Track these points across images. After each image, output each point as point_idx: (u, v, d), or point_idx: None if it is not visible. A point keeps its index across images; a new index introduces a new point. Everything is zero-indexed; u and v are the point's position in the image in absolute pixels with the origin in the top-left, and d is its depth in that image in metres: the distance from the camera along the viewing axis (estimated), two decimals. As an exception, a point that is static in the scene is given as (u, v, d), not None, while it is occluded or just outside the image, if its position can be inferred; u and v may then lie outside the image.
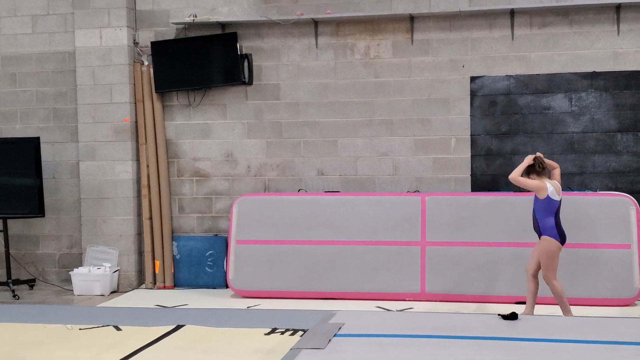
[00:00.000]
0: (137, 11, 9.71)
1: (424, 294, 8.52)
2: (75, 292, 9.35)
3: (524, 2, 8.89)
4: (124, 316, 7.72)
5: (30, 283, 9.76)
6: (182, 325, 7.08)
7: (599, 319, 7.03)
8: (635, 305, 8.19)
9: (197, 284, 9.53)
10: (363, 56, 9.33)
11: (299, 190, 9.37)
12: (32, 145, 9.40)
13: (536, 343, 5.73)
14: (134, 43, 9.67)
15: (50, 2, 9.82)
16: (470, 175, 9.14)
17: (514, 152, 9.00)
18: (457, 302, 8.34)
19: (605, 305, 8.06)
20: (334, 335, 5.91)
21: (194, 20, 9.41)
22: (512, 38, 9.01)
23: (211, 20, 9.39)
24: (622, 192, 8.59)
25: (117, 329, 7.09)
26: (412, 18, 9.16)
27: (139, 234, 9.71)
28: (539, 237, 7.24)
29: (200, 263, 9.54)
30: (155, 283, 9.59)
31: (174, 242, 9.63)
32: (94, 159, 9.62)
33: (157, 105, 9.64)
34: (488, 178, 9.11)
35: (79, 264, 9.70)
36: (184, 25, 9.58)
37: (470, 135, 9.13)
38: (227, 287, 9.23)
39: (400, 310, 8.04)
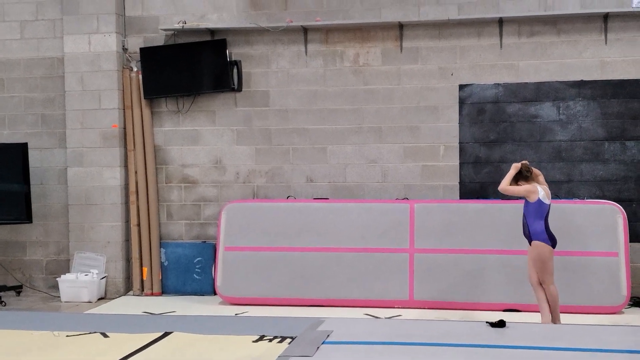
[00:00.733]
0: (126, 17, 9.70)
1: (412, 301, 8.53)
2: (63, 298, 9.31)
3: (513, 11, 8.94)
4: (111, 323, 7.66)
5: (17, 289, 9.70)
6: (170, 332, 7.04)
7: (587, 326, 7.04)
8: (623, 312, 8.22)
9: (185, 290, 9.50)
10: (352, 64, 9.35)
11: (287, 197, 9.36)
12: (19, 151, 9.36)
13: (524, 351, 5.74)
14: (123, 49, 9.65)
15: (39, 8, 9.80)
16: (459, 182, 9.17)
17: (502, 159, 9.03)
18: (445, 310, 8.35)
19: (593, 312, 8.09)
20: (322, 343, 5.90)
21: (183, 26, 9.41)
22: (501, 46, 9.05)
23: (200, 26, 9.39)
24: (610, 200, 8.62)
25: (105, 335, 7.04)
26: (401, 26, 9.18)
27: (127, 240, 9.68)
28: (529, 242, 7.27)
29: (188, 270, 9.51)
30: (142, 290, 9.56)
31: (162, 248, 9.61)
32: (82, 165, 9.59)
33: (146, 111, 9.63)
34: (476, 186, 9.13)
35: (67, 270, 9.66)
36: (173, 32, 9.57)
37: (459, 142, 9.16)
38: (215, 294, 9.20)
39: (389, 318, 8.04)
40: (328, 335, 6.12)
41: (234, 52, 9.49)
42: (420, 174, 9.23)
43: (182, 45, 9.50)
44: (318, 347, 5.75)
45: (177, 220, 9.72)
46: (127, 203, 9.67)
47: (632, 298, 8.45)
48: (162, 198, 9.74)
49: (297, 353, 5.66)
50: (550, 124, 9.00)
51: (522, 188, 7.20)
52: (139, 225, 9.59)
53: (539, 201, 7.16)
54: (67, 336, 7.00)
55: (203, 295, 9.42)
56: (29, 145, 9.58)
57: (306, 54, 9.43)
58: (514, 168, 7.26)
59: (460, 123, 9.16)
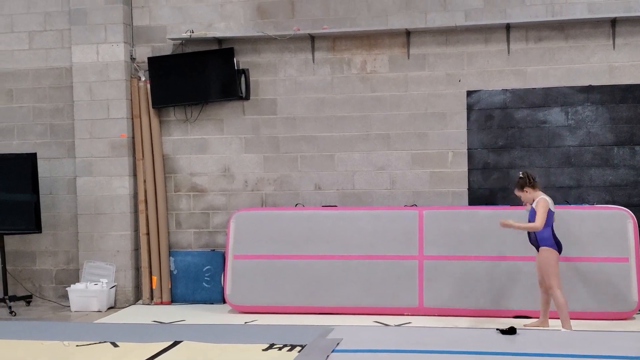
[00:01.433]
0: (134, 27, 9.73)
1: (422, 308, 8.51)
2: (72, 308, 9.32)
3: (520, 16, 8.93)
4: (121, 332, 7.67)
5: (27, 299, 9.72)
6: (180, 341, 7.03)
7: (597, 333, 7.01)
8: (634, 319, 8.17)
9: (194, 299, 9.50)
10: (360, 71, 9.35)
11: (296, 205, 9.36)
12: (29, 161, 9.39)
13: (535, 358, 5.71)
14: (131, 59, 9.69)
15: (47, 18, 9.84)
16: (468, 189, 9.15)
17: (511, 165, 9.01)
18: (455, 317, 8.32)
19: (604, 319, 8.05)
20: (332, 351, 5.88)
21: (190, 35, 9.43)
22: (508, 52, 9.04)
23: (208, 35, 9.42)
24: (619, 205, 8.59)
25: (115, 345, 7.04)
26: (408, 33, 9.18)
27: (136, 249, 9.69)
28: (537, 249, 7.39)
29: (197, 278, 9.51)
30: (152, 299, 9.57)
31: (171, 257, 9.61)
32: (91, 174, 9.61)
33: (154, 120, 9.65)
34: (485, 192, 9.11)
35: (76, 280, 9.67)
36: (180, 41, 9.60)
37: (467, 149, 9.14)
38: (224, 302, 9.20)
39: (398, 325, 8.02)
40: (338, 344, 6.11)
41: (241, 60, 9.50)
42: (428, 181, 9.21)
43: (189, 55, 9.52)
44: (328, 356, 5.74)
45: (186, 228, 9.73)
46: (136, 212, 9.69)
47: (643, 304, 8.41)
48: (171, 207, 9.75)
49: (307, 361, 5.65)
50: (559, 129, 8.98)
51: (544, 210, 7.28)
52: (148, 234, 9.60)
53: (549, 210, 7.33)
54: (77, 346, 7.01)
55: (212, 303, 9.41)
56: (38, 155, 9.60)
57: (313, 62, 9.44)
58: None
59: (469, 129, 9.14)
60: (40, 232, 9.52)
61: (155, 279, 9.54)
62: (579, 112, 8.93)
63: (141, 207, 9.60)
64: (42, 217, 9.53)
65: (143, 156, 9.60)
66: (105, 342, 7.15)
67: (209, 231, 9.67)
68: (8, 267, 9.66)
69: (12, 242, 9.88)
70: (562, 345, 6.04)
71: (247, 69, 9.50)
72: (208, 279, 9.48)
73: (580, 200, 8.86)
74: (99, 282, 9.36)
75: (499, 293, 8.34)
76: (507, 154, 9.07)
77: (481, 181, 9.12)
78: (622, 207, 8.44)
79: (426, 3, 9.14)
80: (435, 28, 9.07)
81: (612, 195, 8.86)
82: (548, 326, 7.51)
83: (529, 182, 7.45)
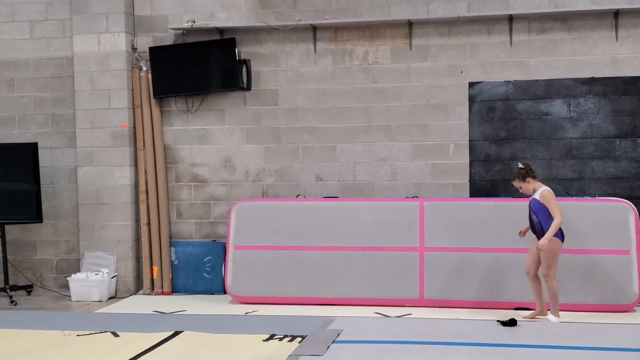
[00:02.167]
0: (135, 17, 9.70)
1: (422, 299, 8.51)
2: (73, 298, 9.33)
3: (523, 8, 8.90)
4: (122, 322, 7.69)
5: (28, 289, 9.73)
6: (181, 332, 7.06)
7: (598, 325, 7.03)
8: (634, 311, 8.17)
9: (195, 289, 9.51)
10: (361, 62, 9.33)
11: (297, 196, 9.36)
12: (30, 151, 9.39)
13: (535, 349, 5.72)
14: (132, 48, 9.67)
15: (48, 8, 9.82)
16: (469, 180, 9.14)
17: (512, 157, 8.99)
18: (455, 308, 8.32)
19: (604, 311, 8.05)
20: (333, 342, 5.90)
21: (192, 25, 9.41)
22: (511, 44, 9.02)
23: (209, 25, 9.39)
24: (621, 197, 8.58)
25: (115, 335, 7.06)
26: (410, 24, 9.16)
27: (137, 239, 9.69)
28: (539, 238, 7.46)
29: (198, 269, 9.52)
30: (153, 289, 9.57)
31: (172, 247, 9.62)
32: (92, 164, 9.61)
33: (156, 110, 9.64)
34: (487, 183, 9.10)
35: (77, 269, 9.68)
36: (182, 31, 9.57)
37: (469, 140, 9.12)
38: (225, 292, 9.20)
39: (399, 317, 8.03)
40: (338, 334, 6.13)
41: (243, 51, 9.48)
42: (430, 172, 9.20)
43: (191, 45, 9.50)
44: (328, 346, 5.76)
45: (187, 219, 9.72)
46: (137, 202, 9.68)
47: (643, 296, 8.40)
48: (172, 197, 9.75)
49: (308, 352, 5.66)
50: (561, 121, 8.96)
51: (555, 201, 7.38)
52: (149, 224, 9.60)
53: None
54: (77, 335, 7.03)
55: (213, 294, 9.42)
56: (39, 145, 9.60)
57: (315, 53, 9.42)
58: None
59: (470, 121, 9.12)
60: (41, 221, 9.53)
61: (156, 269, 9.54)
62: (581, 104, 8.91)
63: (142, 197, 9.60)
64: (43, 207, 9.53)
65: (144, 146, 9.59)
66: (106, 331, 7.17)
67: (210, 222, 9.67)
68: (9, 257, 9.66)
69: (13, 232, 9.88)
70: (563, 336, 6.05)
71: (249, 60, 9.48)
72: (209, 269, 9.48)
73: (581, 193, 8.85)
74: (100, 272, 9.36)
75: (500, 284, 8.34)
76: (508, 145, 9.05)
77: (483, 173, 9.11)
78: (624, 200, 8.42)
79: (428, -6, 9.12)
80: (438, 19, 9.05)
81: (614, 187, 8.85)
82: (546, 314, 7.53)
83: (529, 173, 7.52)
